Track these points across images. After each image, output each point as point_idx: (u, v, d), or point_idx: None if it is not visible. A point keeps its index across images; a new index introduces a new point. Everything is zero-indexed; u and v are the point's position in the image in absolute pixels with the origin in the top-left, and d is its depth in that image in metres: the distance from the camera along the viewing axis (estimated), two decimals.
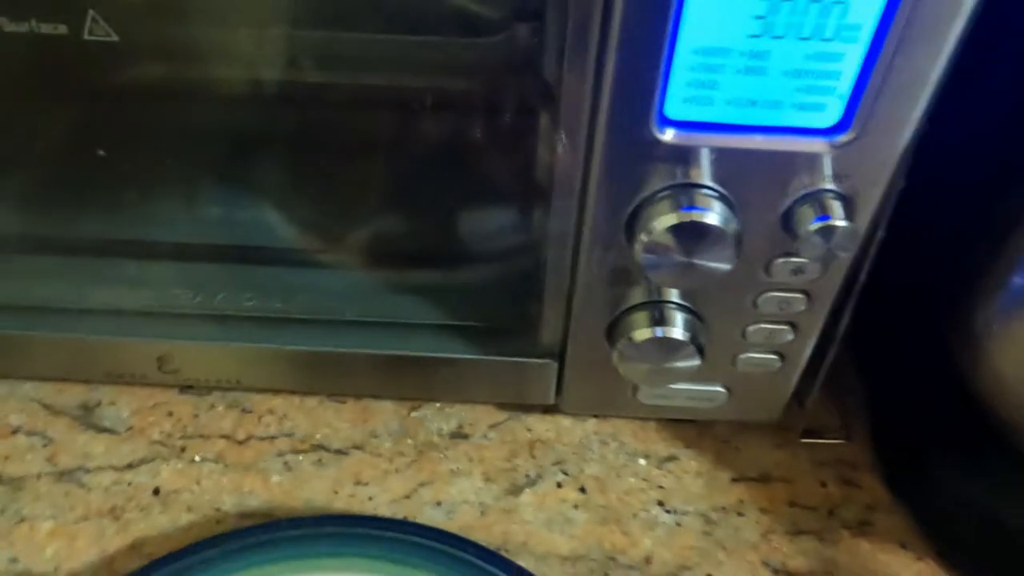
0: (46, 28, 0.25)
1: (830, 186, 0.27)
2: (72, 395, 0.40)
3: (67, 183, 0.39)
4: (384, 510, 0.37)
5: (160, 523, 0.36)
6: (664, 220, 0.27)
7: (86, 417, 0.40)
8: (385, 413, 0.41)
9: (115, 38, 0.26)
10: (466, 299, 0.38)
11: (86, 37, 0.25)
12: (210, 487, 0.37)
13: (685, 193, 0.27)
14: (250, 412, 0.40)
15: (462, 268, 0.39)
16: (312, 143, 0.39)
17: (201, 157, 0.40)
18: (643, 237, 0.28)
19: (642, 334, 0.31)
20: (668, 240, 0.27)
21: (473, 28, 0.34)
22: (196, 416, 0.40)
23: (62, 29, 0.25)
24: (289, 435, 0.40)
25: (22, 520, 0.36)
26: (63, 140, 0.38)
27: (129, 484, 0.37)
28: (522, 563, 0.34)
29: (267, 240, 0.40)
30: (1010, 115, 0.29)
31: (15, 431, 0.39)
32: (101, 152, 0.35)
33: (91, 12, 0.25)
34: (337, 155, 0.39)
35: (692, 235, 0.27)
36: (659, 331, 0.31)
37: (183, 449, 0.39)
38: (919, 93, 0.25)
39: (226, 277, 0.40)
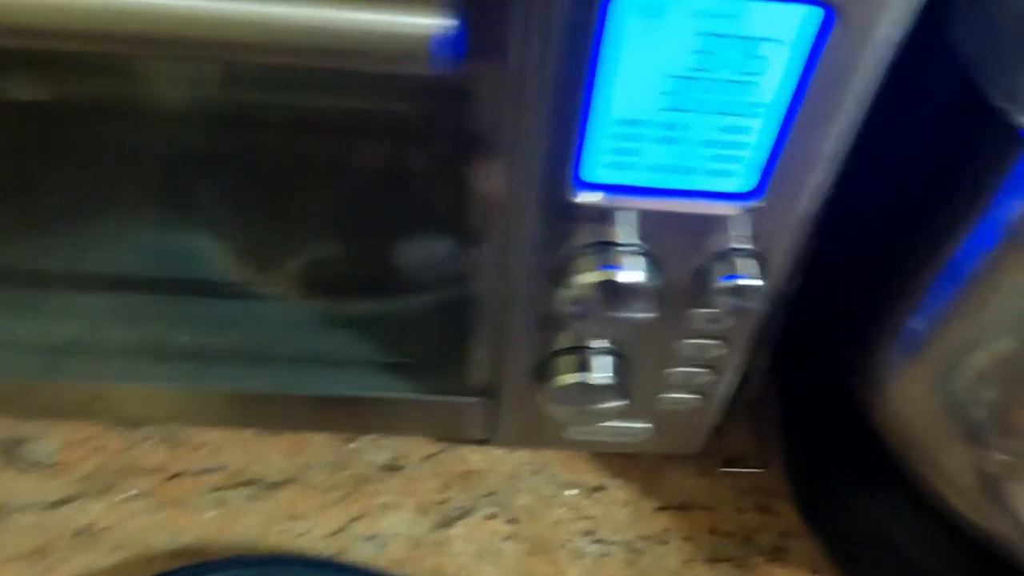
0: None
1: (743, 246, 0.28)
2: None
3: None
4: (317, 545, 0.37)
5: (88, 562, 0.36)
6: (587, 276, 0.28)
7: (10, 453, 0.39)
8: (320, 445, 0.41)
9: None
10: (401, 334, 0.38)
11: None
12: (141, 524, 0.37)
13: (607, 251, 0.28)
14: (183, 446, 0.40)
15: (398, 300, 0.40)
16: (249, 170, 0.39)
17: (135, 183, 0.39)
18: (566, 291, 0.29)
19: (569, 378, 0.33)
20: (591, 294, 0.29)
21: None
22: (128, 450, 0.40)
23: None
24: (222, 469, 0.40)
25: None
26: None
27: (56, 523, 0.37)
28: None
29: (202, 271, 0.40)
30: (903, 183, 0.31)
31: None
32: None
33: None
34: (275, 182, 0.39)
35: (614, 290, 0.28)
36: (586, 376, 0.32)
37: (113, 485, 0.38)
38: (821, 164, 0.26)
39: (160, 309, 0.39)
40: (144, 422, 0.40)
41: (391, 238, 0.38)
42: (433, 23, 0.19)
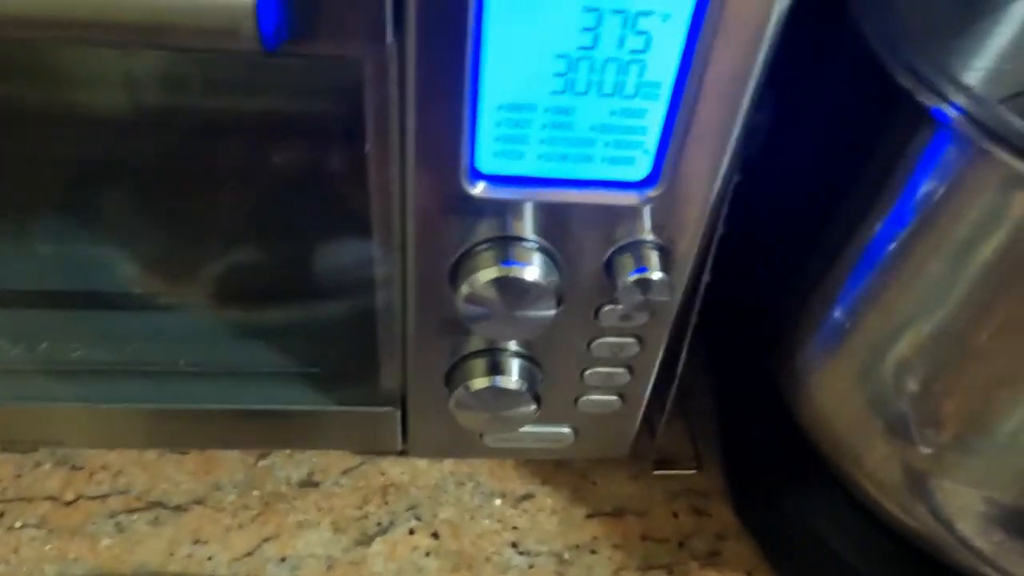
0: None
1: (647, 237, 0.27)
2: None
3: None
4: (223, 570, 0.35)
5: None
6: (485, 273, 0.27)
7: None
8: (231, 463, 0.39)
9: None
10: (311, 343, 0.36)
11: None
12: (30, 556, 0.35)
13: (505, 246, 0.27)
14: (81, 469, 0.38)
15: (306, 308, 0.38)
16: (148, 174, 0.37)
17: (30, 190, 0.37)
18: (464, 289, 0.27)
19: (479, 383, 0.31)
20: (490, 293, 0.27)
21: None
22: (19, 476, 0.37)
23: None
24: (123, 492, 0.37)
25: None
26: None
27: None
28: None
29: (95, 282, 0.38)
30: (815, 169, 0.29)
31: None
32: None
33: None
34: (175, 188, 0.37)
35: (513, 288, 0.27)
36: (495, 380, 0.31)
37: (1, 515, 0.36)
38: (722, 147, 0.25)
39: (49, 324, 0.37)
40: (39, 445, 0.38)
41: (297, 244, 0.36)
42: None
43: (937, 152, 0.23)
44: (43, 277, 0.38)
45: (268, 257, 0.37)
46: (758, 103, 0.24)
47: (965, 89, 0.21)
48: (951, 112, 0.21)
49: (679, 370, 0.33)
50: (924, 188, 0.24)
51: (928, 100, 0.21)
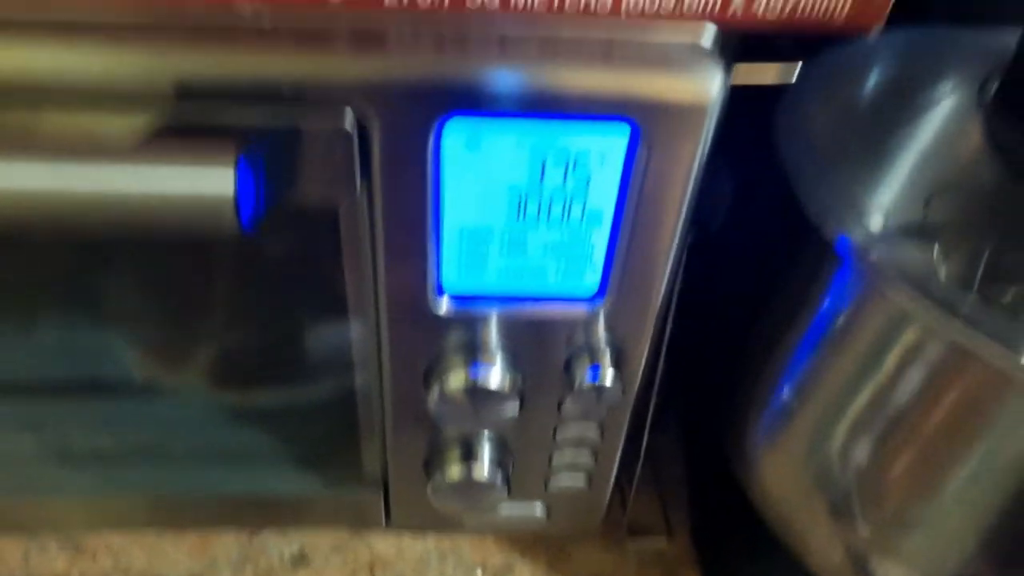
0: None
1: (601, 341, 0.29)
2: None
3: None
4: None
5: None
6: (454, 379, 0.29)
7: None
8: (226, 540, 0.41)
9: None
10: (297, 430, 0.39)
11: None
12: None
13: (471, 353, 0.29)
14: (84, 551, 0.40)
15: (295, 393, 0.40)
16: (147, 261, 0.39)
17: (25, 281, 0.39)
18: (435, 392, 0.30)
19: (454, 472, 0.33)
20: (458, 396, 0.29)
21: None
22: (26, 560, 0.39)
23: None
24: (125, 572, 0.39)
25: None
26: None
27: None
28: None
29: (96, 370, 0.40)
30: (748, 284, 0.32)
31: None
32: None
33: None
34: (174, 273, 0.39)
35: (479, 392, 0.29)
36: (470, 470, 0.33)
37: None
38: (662, 263, 0.27)
39: (54, 413, 0.39)
40: (43, 528, 0.40)
41: (290, 334, 0.38)
42: (226, 186, 0.19)
43: (842, 279, 0.25)
44: (47, 366, 0.40)
45: (261, 345, 0.39)
46: (716, 182, 0.27)
47: (863, 226, 0.24)
48: (850, 247, 0.23)
49: (643, 451, 0.36)
50: (833, 308, 0.26)
51: (831, 234, 0.24)
